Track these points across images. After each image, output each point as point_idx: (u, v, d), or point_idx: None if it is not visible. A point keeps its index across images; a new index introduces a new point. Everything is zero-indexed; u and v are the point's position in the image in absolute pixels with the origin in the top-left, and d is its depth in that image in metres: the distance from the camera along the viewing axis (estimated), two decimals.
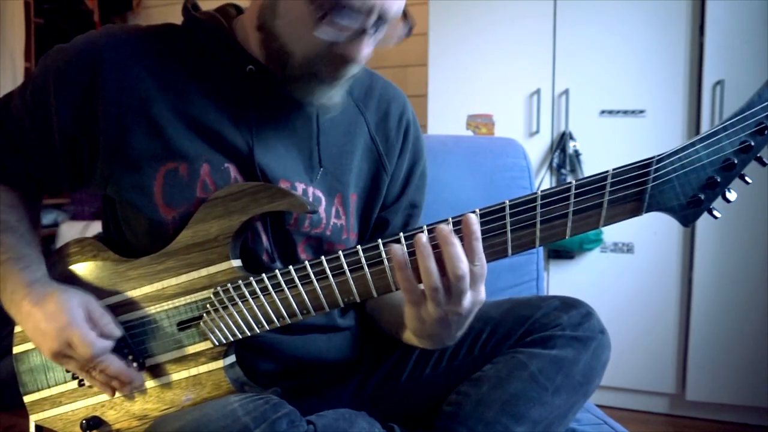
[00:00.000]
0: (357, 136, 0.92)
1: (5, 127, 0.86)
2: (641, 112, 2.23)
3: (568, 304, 0.85)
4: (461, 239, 0.67)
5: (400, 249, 0.68)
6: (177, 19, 0.88)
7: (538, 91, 2.35)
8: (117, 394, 0.82)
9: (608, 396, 2.32)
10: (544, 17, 2.32)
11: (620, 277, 2.29)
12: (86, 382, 0.84)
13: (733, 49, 2.09)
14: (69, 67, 0.81)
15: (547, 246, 2.28)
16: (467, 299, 0.69)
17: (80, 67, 0.80)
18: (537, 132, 2.36)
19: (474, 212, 0.69)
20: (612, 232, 2.28)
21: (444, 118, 2.47)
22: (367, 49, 0.76)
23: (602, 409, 1.12)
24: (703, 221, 2.31)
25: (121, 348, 0.80)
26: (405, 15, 0.79)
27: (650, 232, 2.23)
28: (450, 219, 0.70)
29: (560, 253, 2.35)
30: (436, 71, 2.48)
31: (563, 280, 2.36)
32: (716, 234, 2.16)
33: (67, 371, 0.85)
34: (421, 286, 0.69)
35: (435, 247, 0.67)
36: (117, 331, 0.79)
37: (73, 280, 0.84)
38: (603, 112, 2.28)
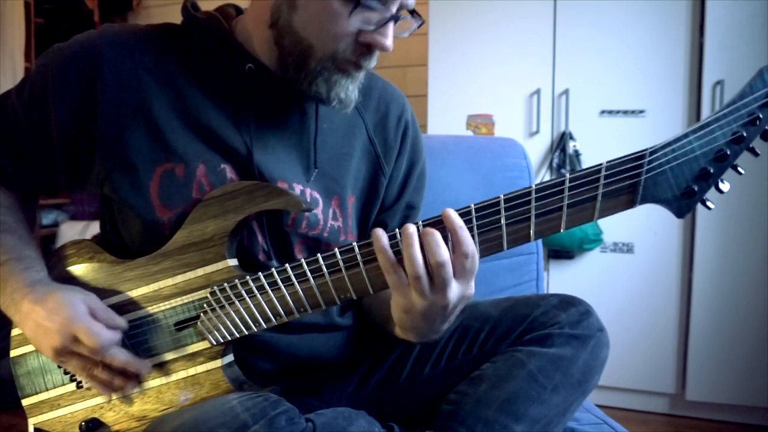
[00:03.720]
0: (355, 138, 0.92)
1: (1, 127, 0.86)
2: (641, 112, 2.23)
3: (567, 302, 0.85)
4: (450, 232, 0.68)
5: (380, 231, 0.70)
6: (177, 18, 0.88)
7: (538, 91, 2.35)
8: (114, 396, 0.82)
9: (608, 396, 2.32)
10: (544, 17, 2.32)
11: (620, 277, 2.29)
12: (84, 384, 0.84)
13: (733, 49, 2.09)
14: (68, 66, 0.81)
15: (545, 244, 2.28)
16: (453, 291, 0.69)
17: (79, 66, 0.80)
18: (537, 132, 2.36)
19: (468, 207, 0.70)
20: (612, 232, 2.28)
21: (444, 118, 2.47)
22: (392, 34, 0.77)
23: (602, 409, 1.12)
24: (703, 221, 2.31)
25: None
26: (414, 11, 0.80)
27: (650, 232, 2.23)
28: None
29: (560, 253, 2.35)
30: (436, 71, 2.48)
31: (563, 280, 2.36)
32: (716, 234, 2.16)
33: (66, 372, 0.85)
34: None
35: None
36: (123, 322, 0.79)
37: (70, 282, 0.83)
38: (603, 112, 2.28)
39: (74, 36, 0.84)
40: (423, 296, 0.69)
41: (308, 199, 0.86)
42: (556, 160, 2.31)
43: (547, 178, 2.33)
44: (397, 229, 0.71)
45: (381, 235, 0.70)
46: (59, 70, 0.81)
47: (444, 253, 0.67)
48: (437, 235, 0.67)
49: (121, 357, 0.77)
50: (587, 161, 2.28)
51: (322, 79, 0.79)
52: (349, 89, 0.81)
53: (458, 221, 0.68)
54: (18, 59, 3.04)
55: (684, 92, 2.18)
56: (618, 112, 2.26)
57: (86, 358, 0.77)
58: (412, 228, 0.69)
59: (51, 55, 0.83)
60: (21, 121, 0.84)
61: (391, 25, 0.77)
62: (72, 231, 3.05)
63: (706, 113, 2.13)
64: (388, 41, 0.77)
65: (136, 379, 0.80)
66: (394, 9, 0.76)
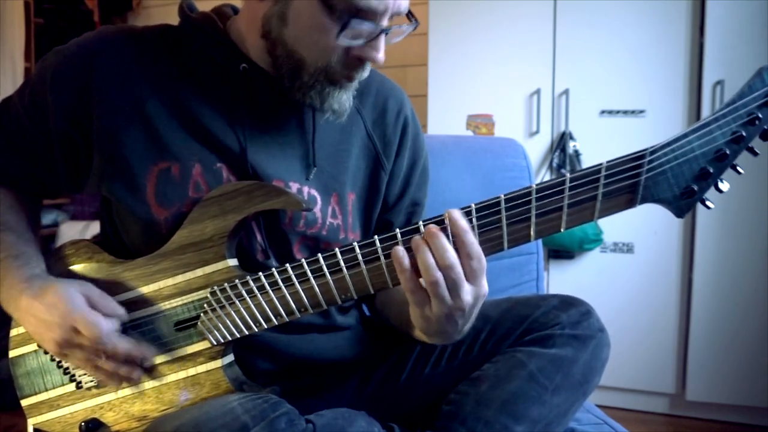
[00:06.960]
0: (353, 135, 0.92)
1: (5, 128, 0.87)
2: (641, 112, 2.23)
3: (568, 302, 0.85)
4: (454, 235, 0.68)
5: (401, 251, 0.69)
6: (177, 19, 0.88)
7: (538, 91, 2.35)
8: (120, 393, 0.82)
9: (608, 396, 2.32)
10: (544, 17, 2.32)
11: (620, 277, 2.29)
12: (84, 384, 0.84)
13: (733, 49, 2.09)
14: (65, 68, 0.82)
15: (545, 244, 2.28)
16: (467, 292, 0.69)
17: (76, 68, 0.81)
18: (537, 132, 2.36)
19: (469, 206, 0.70)
20: (612, 232, 2.28)
21: (444, 118, 2.47)
22: (383, 48, 0.77)
23: (602, 409, 1.12)
24: (703, 221, 2.31)
25: None
26: (409, 12, 0.80)
27: (650, 232, 2.23)
28: (445, 214, 0.70)
29: (560, 253, 2.35)
30: (436, 71, 2.48)
31: (563, 280, 2.36)
32: (716, 234, 2.16)
33: (65, 373, 0.84)
34: (423, 284, 0.69)
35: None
36: (121, 310, 0.79)
37: None
38: (603, 112, 2.28)
39: (73, 39, 0.85)
40: (442, 302, 0.68)
41: (306, 198, 0.86)
42: (556, 160, 2.31)
43: (547, 178, 2.33)
44: (397, 230, 0.71)
45: (402, 256, 0.68)
46: (57, 71, 0.82)
47: (451, 256, 0.67)
48: (442, 238, 0.67)
49: (123, 345, 0.77)
50: (587, 161, 2.28)
51: (315, 92, 0.80)
52: (343, 99, 0.81)
53: (463, 224, 0.68)
54: (18, 59, 3.04)
55: (684, 92, 2.18)
56: (618, 112, 2.26)
57: (89, 349, 0.77)
58: (417, 237, 0.68)
59: (50, 57, 0.85)
60: (23, 122, 0.86)
61: (382, 38, 0.76)
62: (72, 231, 3.05)
63: (706, 113, 2.13)
64: (380, 55, 0.77)
65: (139, 370, 0.79)
66: (384, 22, 0.75)
